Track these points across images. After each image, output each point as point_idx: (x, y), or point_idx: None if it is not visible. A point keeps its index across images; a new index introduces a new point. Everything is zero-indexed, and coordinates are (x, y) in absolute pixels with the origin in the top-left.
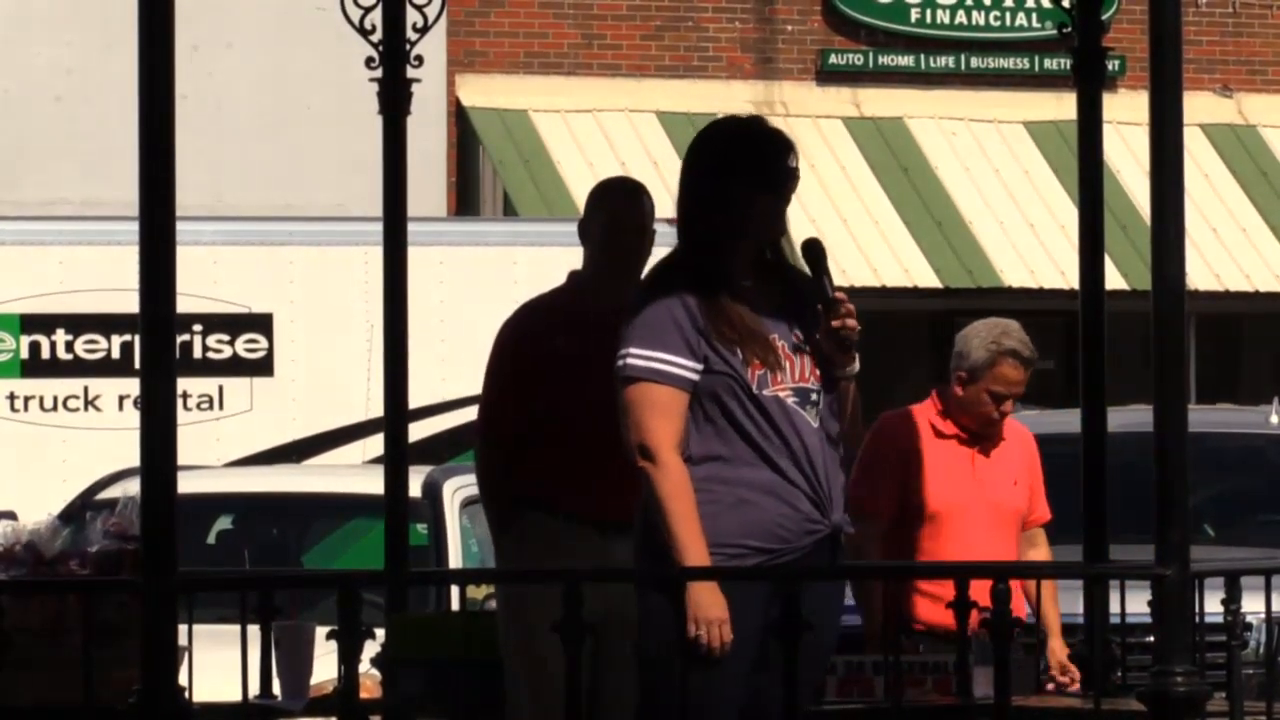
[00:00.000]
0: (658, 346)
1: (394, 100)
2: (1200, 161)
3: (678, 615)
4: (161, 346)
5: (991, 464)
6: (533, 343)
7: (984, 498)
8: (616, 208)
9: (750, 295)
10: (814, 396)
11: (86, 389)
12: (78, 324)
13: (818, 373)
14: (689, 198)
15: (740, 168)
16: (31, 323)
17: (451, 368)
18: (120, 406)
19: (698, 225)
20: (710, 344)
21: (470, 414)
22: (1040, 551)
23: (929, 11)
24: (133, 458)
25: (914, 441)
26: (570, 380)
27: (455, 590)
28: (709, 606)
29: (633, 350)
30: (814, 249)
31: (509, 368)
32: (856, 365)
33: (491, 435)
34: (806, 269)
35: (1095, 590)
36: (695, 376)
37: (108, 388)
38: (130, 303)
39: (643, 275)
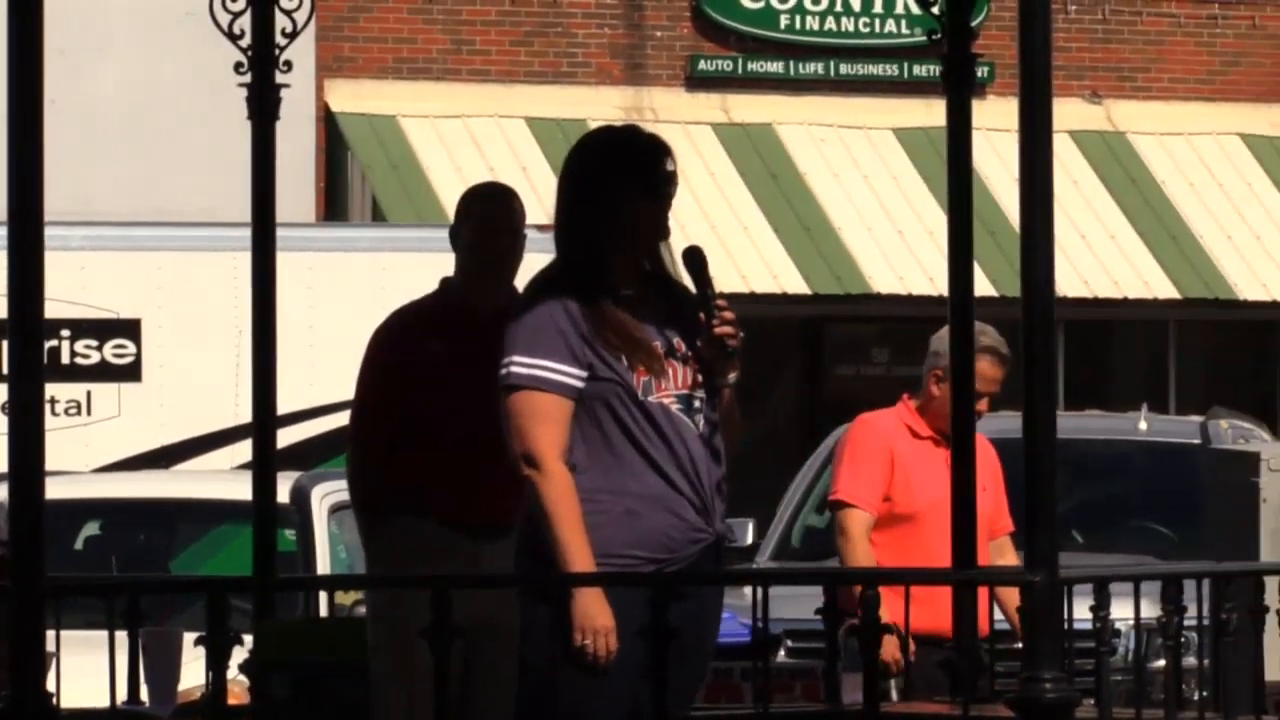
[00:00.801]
0: (541, 354)
1: (263, 105)
2: (1069, 168)
3: (562, 623)
4: (30, 351)
5: None
6: (404, 348)
7: None
8: (487, 211)
9: (632, 303)
10: (696, 403)
11: None
12: None
13: (699, 379)
14: (568, 208)
15: (618, 175)
16: None
17: (320, 373)
18: None
19: (577, 235)
20: (595, 350)
21: (339, 419)
22: (1009, 560)
23: (798, 18)
24: (0, 463)
25: (898, 440)
26: (441, 384)
27: (324, 596)
28: (595, 615)
29: (516, 358)
30: (695, 257)
31: (380, 373)
32: (738, 372)
33: (362, 440)
34: (687, 276)
35: (964, 596)
36: (580, 384)
37: None
38: None
39: (515, 280)
